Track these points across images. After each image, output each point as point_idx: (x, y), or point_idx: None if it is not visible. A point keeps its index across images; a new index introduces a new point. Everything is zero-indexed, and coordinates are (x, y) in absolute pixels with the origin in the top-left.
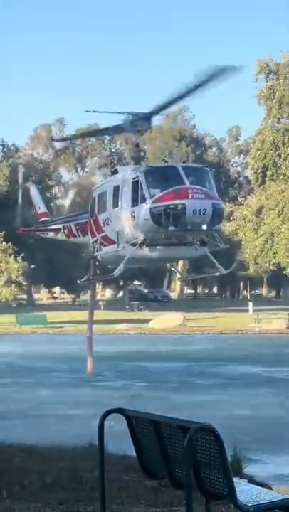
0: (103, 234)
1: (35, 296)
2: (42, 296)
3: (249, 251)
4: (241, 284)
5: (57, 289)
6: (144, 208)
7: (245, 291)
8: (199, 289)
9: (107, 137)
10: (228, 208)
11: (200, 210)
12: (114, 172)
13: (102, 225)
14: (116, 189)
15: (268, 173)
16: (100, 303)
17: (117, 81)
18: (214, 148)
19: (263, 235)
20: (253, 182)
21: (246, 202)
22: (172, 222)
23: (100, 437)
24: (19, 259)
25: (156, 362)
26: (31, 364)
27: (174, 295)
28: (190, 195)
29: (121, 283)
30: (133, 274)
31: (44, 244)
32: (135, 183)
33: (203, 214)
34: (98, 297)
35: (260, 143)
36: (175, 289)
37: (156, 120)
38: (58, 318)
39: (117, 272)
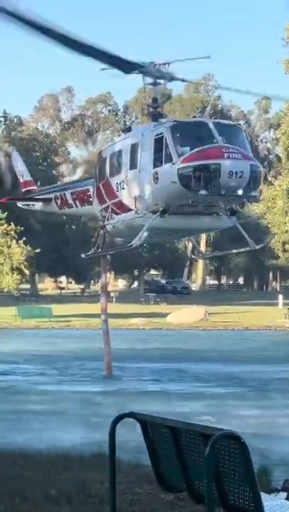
0: (116, 199)
1: (40, 286)
2: (47, 286)
3: (278, 237)
4: (270, 275)
5: (63, 279)
6: (171, 169)
7: (274, 283)
8: (223, 280)
9: (121, 108)
10: None
11: (236, 172)
12: (128, 130)
13: (115, 189)
14: (134, 147)
15: None
16: (112, 294)
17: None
18: (241, 122)
19: None
20: (283, 160)
21: (277, 182)
22: (204, 185)
23: (111, 445)
24: (21, 243)
25: (190, 362)
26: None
27: (194, 286)
28: (225, 155)
29: (136, 272)
30: (149, 263)
31: (49, 226)
32: (159, 141)
33: (240, 177)
34: (110, 288)
35: None
36: (196, 280)
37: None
38: (65, 311)
39: (136, 241)
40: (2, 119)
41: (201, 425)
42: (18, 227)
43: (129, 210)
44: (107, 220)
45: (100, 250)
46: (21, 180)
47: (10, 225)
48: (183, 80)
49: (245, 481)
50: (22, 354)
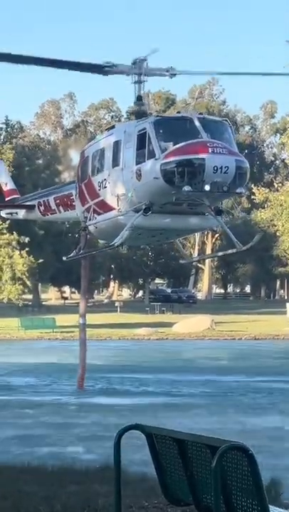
0: (98, 199)
1: (43, 296)
2: (50, 296)
3: (286, 244)
4: (278, 283)
5: (67, 288)
6: (154, 165)
7: (282, 291)
8: (230, 289)
9: (124, 114)
10: (262, 193)
11: (221, 168)
12: (111, 128)
13: (97, 188)
14: (116, 144)
15: None
16: (117, 304)
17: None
18: (247, 127)
19: None
20: None
21: (284, 188)
22: (187, 181)
23: (116, 457)
24: (24, 253)
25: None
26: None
27: (201, 295)
28: (210, 150)
29: (141, 281)
30: (154, 271)
31: (52, 235)
32: (142, 137)
33: (225, 172)
34: (114, 298)
35: None
36: (202, 289)
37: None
38: (69, 321)
39: (118, 240)
40: (4, 125)
41: (208, 437)
42: (22, 237)
43: (112, 209)
44: (89, 220)
45: (81, 252)
46: (5, 189)
47: (12, 234)
48: (186, 73)
49: (253, 493)
50: (7, 366)
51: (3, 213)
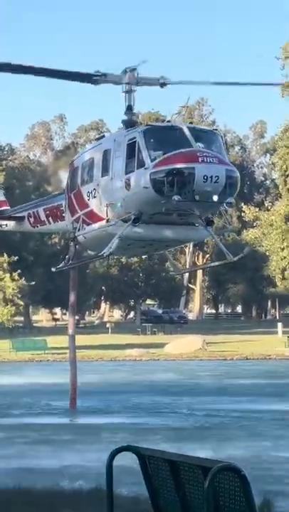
0: (87, 209)
1: (34, 317)
2: (41, 317)
3: (275, 263)
4: (269, 303)
5: (58, 310)
6: (143, 174)
7: (273, 311)
8: (221, 309)
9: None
10: (252, 212)
11: (211, 177)
12: (101, 138)
13: (86, 198)
14: (106, 154)
15: None
16: (108, 325)
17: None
18: (237, 147)
19: None
20: (280, 185)
21: (274, 208)
22: (177, 190)
23: (108, 480)
24: (15, 275)
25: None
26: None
27: (192, 316)
28: (199, 159)
29: (132, 302)
30: (145, 292)
31: (43, 257)
32: (131, 146)
33: (215, 182)
34: (105, 319)
35: None
36: (193, 309)
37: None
38: (60, 343)
39: (106, 250)
40: None
41: (200, 458)
42: (12, 257)
43: (101, 219)
44: (78, 230)
45: (70, 262)
46: None
47: (2, 256)
48: (178, 83)
49: None
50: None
51: None
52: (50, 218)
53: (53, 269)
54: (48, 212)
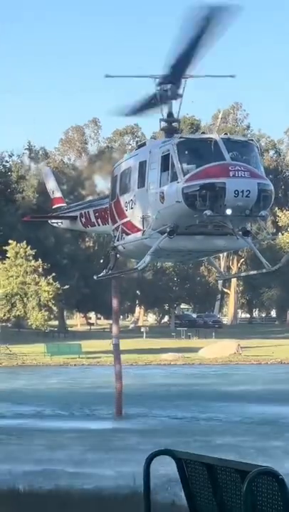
0: (126, 219)
1: (69, 322)
2: (76, 322)
3: None
4: None
5: (92, 314)
6: (176, 188)
7: None
8: (255, 313)
9: (149, 139)
10: (286, 216)
11: (243, 192)
12: (142, 145)
13: (124, 208)
14: (142, 165)
15: None
16: (142, 329)
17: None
18: (271, 152)
19: None
20: None
21: None
22: (209, 205)
23: (146, 483)
24: (50, 279)
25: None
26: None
27: (226, 320)
28: (231, 173)
29: (166, 307)
30: (180, 296)
31: (78, 261)
32: (165, 158)
33: (247, 196)
34: (140, 323)
35: None
36: (228, 313)
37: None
38: (94, 347)
39: (141, 264)
40: (27, 151)
41: (238, 462)
42: (46, 264)
43: (139, 230)
44: (118, 240)
45: (110, 272)
46: (52, 197)
47: (37, 260)
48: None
49: None
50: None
51: (50, 222)
52: (99, 220)
53: (95, 277)
54: (97, 213)
